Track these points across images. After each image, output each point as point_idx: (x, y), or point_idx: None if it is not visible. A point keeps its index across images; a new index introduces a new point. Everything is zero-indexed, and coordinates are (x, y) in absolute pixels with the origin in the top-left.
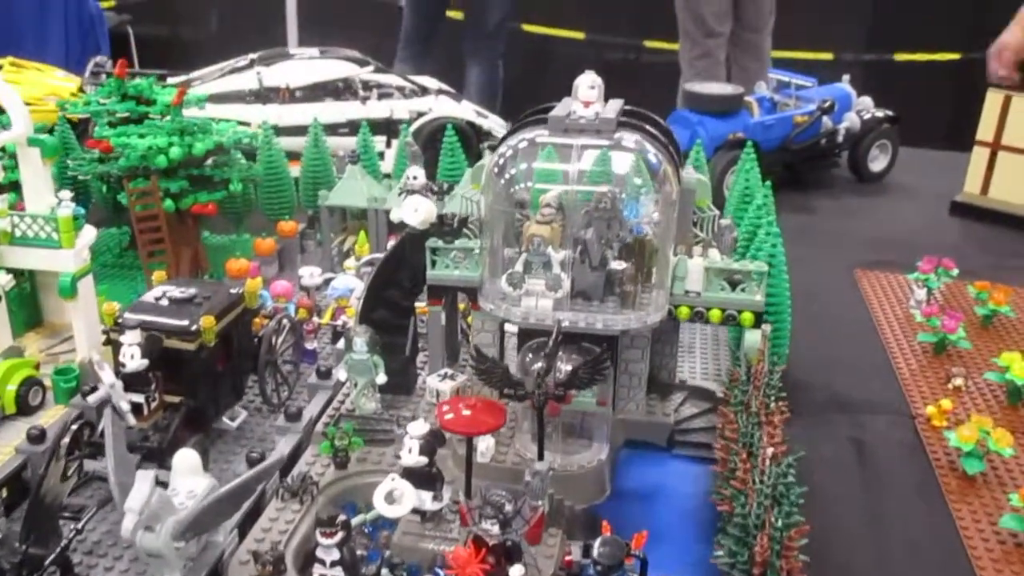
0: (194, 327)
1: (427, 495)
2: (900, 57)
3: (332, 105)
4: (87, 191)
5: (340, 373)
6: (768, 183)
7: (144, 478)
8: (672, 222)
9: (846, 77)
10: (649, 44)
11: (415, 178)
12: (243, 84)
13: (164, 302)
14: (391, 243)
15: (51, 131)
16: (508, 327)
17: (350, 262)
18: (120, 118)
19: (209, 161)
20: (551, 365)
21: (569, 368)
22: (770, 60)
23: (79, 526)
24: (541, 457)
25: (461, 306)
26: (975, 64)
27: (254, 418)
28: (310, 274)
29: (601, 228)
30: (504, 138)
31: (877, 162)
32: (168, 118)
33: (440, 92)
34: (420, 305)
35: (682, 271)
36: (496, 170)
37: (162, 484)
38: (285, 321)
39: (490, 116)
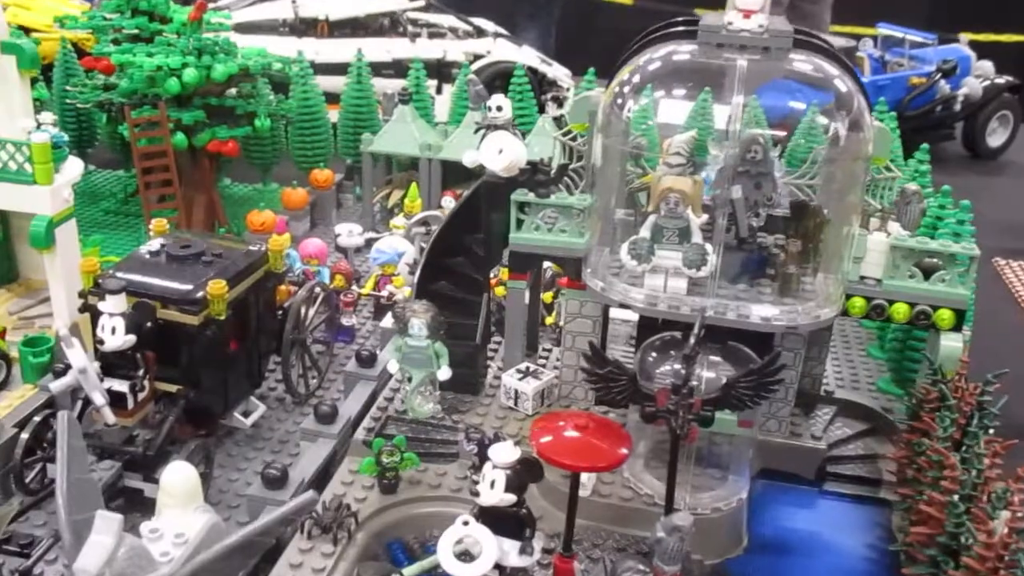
0: (199, 294)
1: (512, 546)
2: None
3: (376, 42)
4: (91, 126)
5: (390, 364)
6: (925, 146)
7: (105, 525)
8: (860, 183)
9: (964, 37)
10: (701, 11)
11: (499, 109)
12: (276, 13)
13: (162, 259)
14: (445, 200)
15: (51, 66)
16: (618, 314)
17: (399, 220)
18: (128, 35)
19: (232, 90)
20: (692, 372)
21: (712, 378)
22: (829, 32)
23: (27, 566)
24: (671, 504)
25: None
26: None
27: (275, 412)
28: (349, 232)
29: (748, 187)
30: (628, 56)
31: (995, 136)
32: (184, 37)
33: (498, 35)
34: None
35: (859, 251)
36: (618, 102)
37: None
38: (318, 290)
39: (554, 64)
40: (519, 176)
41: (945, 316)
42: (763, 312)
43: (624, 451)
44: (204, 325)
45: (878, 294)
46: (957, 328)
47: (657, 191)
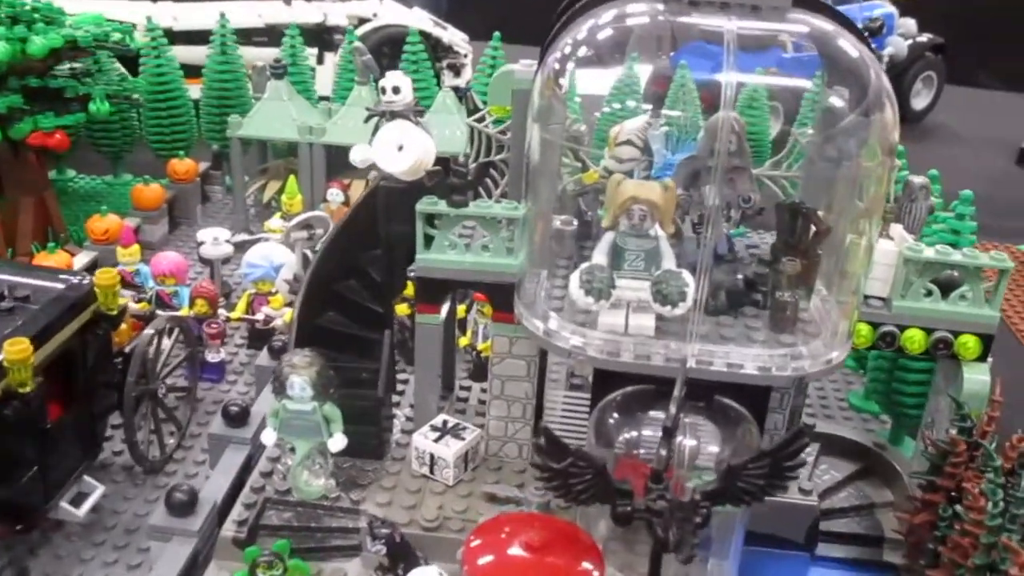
0: None
1: None
2: None
3: (245, 5)
4: None
5: (265, 435)
6: None
7: None
8: (888, 181)
9: None
10: None
11: (396, 91)
12: None
13: None
14: (331, 192)
15: None
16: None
17: (275, 222)
18: None
19: (64, 68)
20: (673, 451)
21: (694, 446)
22: None
23: None
24: None
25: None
26: None
27: (120, 487)
28: (214, 240)
29: (721, 187)
30: (564, 22)
31: (920, 98)
32: None
33: None
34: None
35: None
36: (560, 82)
37: None
38: (172, 326)
39: (449, 27)
40: (427, 180)
41: (969, 344)
42: (759, 359)
43: (591, 569)
44: (3, 400)
45: (887, 318)
46: (983, 358)
47: (616, 201)
